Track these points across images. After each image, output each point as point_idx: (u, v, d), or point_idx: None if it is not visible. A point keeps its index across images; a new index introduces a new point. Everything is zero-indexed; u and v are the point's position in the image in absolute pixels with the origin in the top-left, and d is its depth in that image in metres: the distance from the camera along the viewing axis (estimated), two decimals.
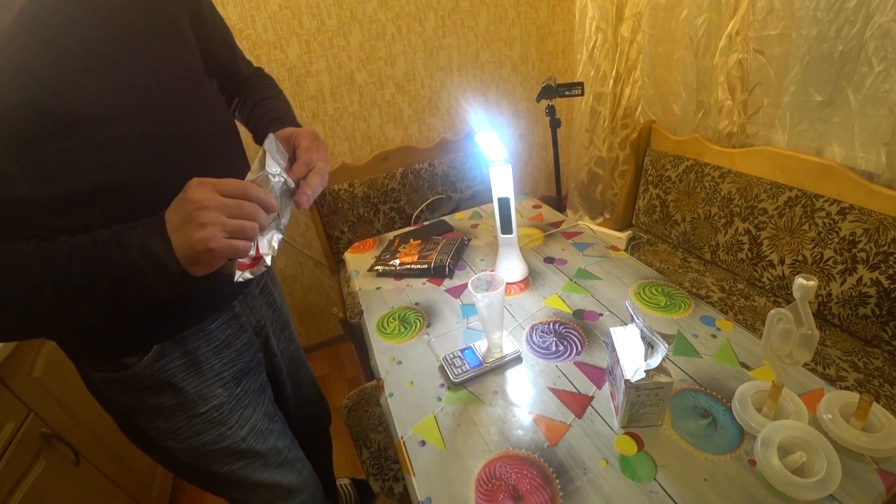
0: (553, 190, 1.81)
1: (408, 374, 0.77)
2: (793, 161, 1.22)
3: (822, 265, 1.16)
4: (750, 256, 1.32)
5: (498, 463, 0.60)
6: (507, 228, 0.92)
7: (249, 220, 0.50)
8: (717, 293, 1.32)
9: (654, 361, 0.56)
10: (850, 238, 1.10)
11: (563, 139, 2.01)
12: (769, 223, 1.26)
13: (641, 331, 0.58)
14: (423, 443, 0.64)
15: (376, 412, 1.09)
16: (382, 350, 0.83)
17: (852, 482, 0.54)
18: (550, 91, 1.49)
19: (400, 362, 0.79)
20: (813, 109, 1.20)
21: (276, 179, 0.55)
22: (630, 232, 1.62)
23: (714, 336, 0.76)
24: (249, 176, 0.54)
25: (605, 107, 1.80)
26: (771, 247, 1.26)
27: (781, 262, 1.24)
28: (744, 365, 0.71)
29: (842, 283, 1.13)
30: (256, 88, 0.81)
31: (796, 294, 0.52)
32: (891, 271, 1.04)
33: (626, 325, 0.66)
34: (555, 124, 1.59)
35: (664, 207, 1.57)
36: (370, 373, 1.40)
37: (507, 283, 0.67)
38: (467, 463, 0.60)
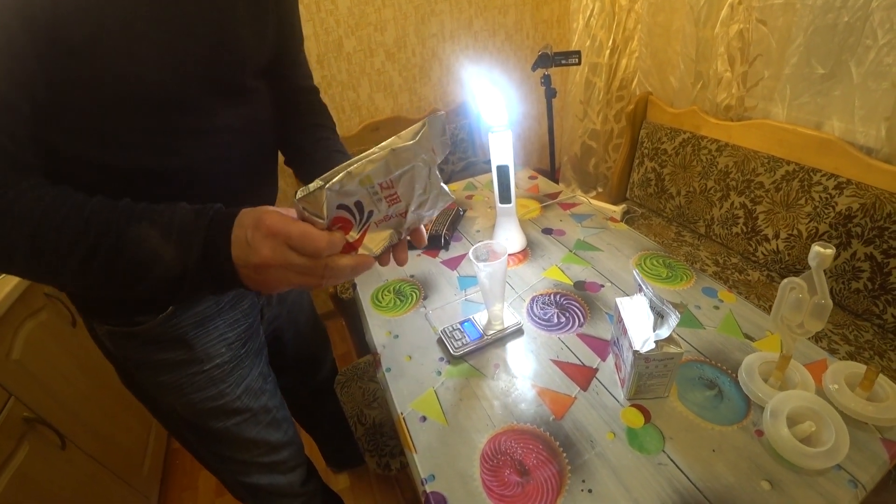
0: (545, 163, 1.78)
1: (405, 349, 0.74)
2: (791, 135, 1.21)
3: (816, 239, 1.16)
4: (745, 230, 1.31)
5: (503, 437, 0.58)
6: (505, 197, 0.89)
7: (318, 280, 0.45)
8: (711, 267, 1.32)
9: (665, 331, 0.54)
10: (847, 213, 1.10)
11: (557, 111, 1.97)
12: (765, 197, 1.25)
13: (651, 300, 0.56)
14: (424, 418, 0.62)
15: (370, 388, 1.07)
16: (378, 324, 0.81)
17: (857, 451, 0.53)
18: (547, 59, 1.44)
19: (397, 336, 0.77)
20: (814, 82, 1.18)
21: (420, 165, 0.45)
22: (624, 205, 1.61)
23: (717, 307, 0.75)
24: (396, 142, 0.43)
25: (600, 78, 1.76)
26: (766, 221, 1.26)
27: (776, 236, 1.24)
28: (747, 336, 0.70)
29: (836, 258, 1.13)
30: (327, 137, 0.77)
31: (812, 262, 0.51)
32: (885, 246, 1.04)
33: (632, 295, 0.64)
34: (550, 94, 1.54)
35: (659, 181, 1.55)
36: (362, 349, 1.38)
37: (493, 252, 0.65)
38: (471, 438, 0.58)
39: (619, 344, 0.62)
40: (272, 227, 0.42)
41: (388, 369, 0.70)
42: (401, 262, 0.52)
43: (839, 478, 0.52)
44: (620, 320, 0.61)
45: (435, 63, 1.82)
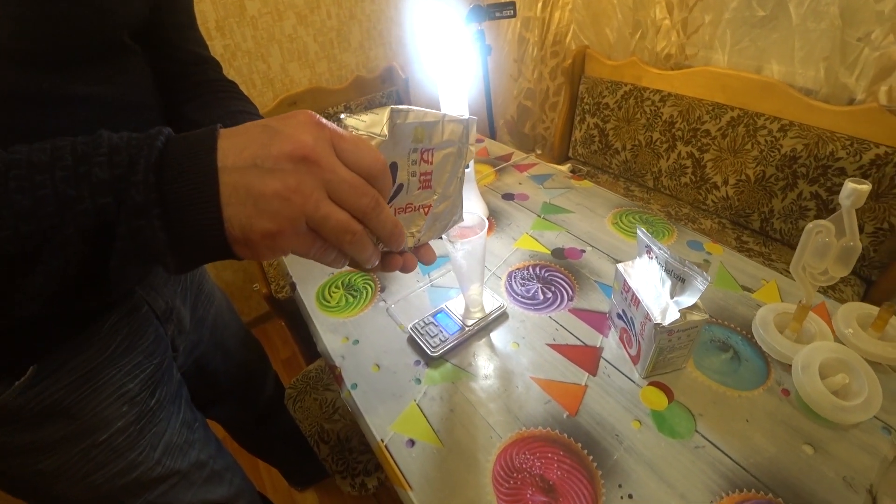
0: (482, 130, 1.67)
1: (370, 356, 0.61)
2: (734, 80, 1.19)
3: (764, 182, 1.16)
4: (694, 180, 1.30)
5: (513, 450, 0.47)
6: None
7: (353, 233, 0.31)
8: None
9: (690, 297, 0.45)
10: (791, 154, 1.10)
11: (491, 72, 1.85)
12: (712, 145, 1.24)
13: (667, 262, 0.47)
14: (412, 442, 0.50)
15: (328, 398, 0.93)
16: (330, 328, 0.66)
17: (886, 396, 0.49)
18: (480, 13, 1.31)
19: (356, 341, 0.63)
20: (754, 26, 1.16)
21: (456, 154, 0.39)
22: (569, 165, 1.55)
23: (707, 261, 0.69)
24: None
25: (533, 33, 1.66)
26: (714, 168, 1.25)
27: (725, 182, 1.23)
28: (745, 288, 0.64)
29: (783, 199, 1.14)
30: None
31: (846, 201, 0.44)
32: (829, 184, 1.06)
33: (634, 259, 0.55)
34: (485, 51, 1.43)
35: (603, 136, 1.50)
36: (309, 352, 1.21)
37: (467, 227, 0.54)
38: (475, 458, 0.47)
39: (628, 317, 0.54)
40: (313, 116, 0.30)
41: (354, 386, 0.57)
42: (422, 263, 0.41)
43: (872, 427, 0.48)
44: (628, 289, 0.52)
45: (354, 25, 1.63)
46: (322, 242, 0.30)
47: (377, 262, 0.35)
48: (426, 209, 0.39)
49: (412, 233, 0.39)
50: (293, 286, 0.77)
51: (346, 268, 0.54)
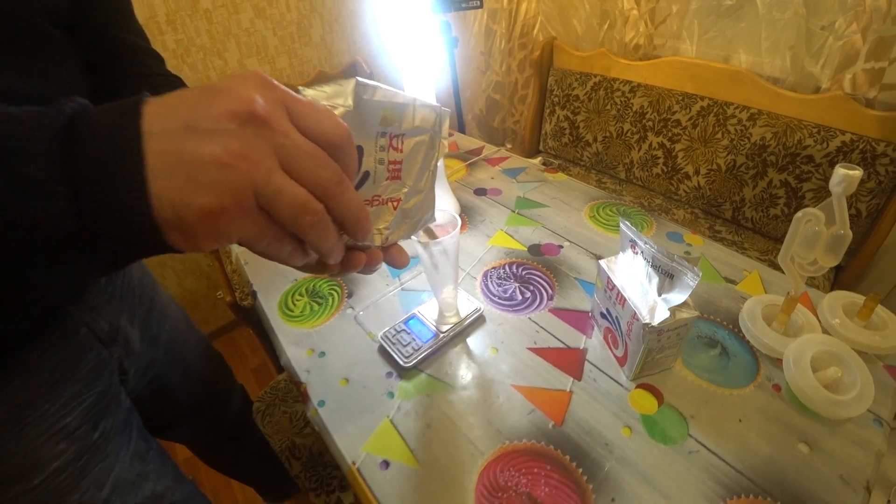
0: (451, 123, 1.63)
1: (338, 369, 0.56)
2: (703, 69, 1.19)
3: (735, 172, 1.16)
4: (665, 170, 1.30)
5: (497, 467, 0.43)
6: None
7: (314, 213, 0.25)
8: None
9: (680, 294, 0.42)
10: (761, 143, 1.10)
11: (458, 66, 1.81)
12: (683, 135, 1.23)
13: (654, 257, 0.44)
14: (387, 463, 0.45)
15: (298, 411, 0.87)
16: (293, 340, 0.61)
17: (876, 388, 0.47)
18: (446, 3, 1.27)
19: (323, 353, 0.58)
20: (721, 15, 1.16)
21: (429, 144, 0.35)
22: (540, 158, 1.53)
23: (688, 253, 0.67)
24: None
25: (500, 25, 1.63)
26: (686, 158, 1.24)
27: (697, 172, 1.23)
28: (728, 280, 0.62)
29: (754, 188, 1.14)
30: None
31: (837, 187, 0.42)
32: (798, 171, 1.06)
33: (617, 254, 0.52)
34: (452, 43, 1.38)
35: (573, 129, 1.48)
36: (280, 360, 1.15)
37: (438, 226, 0.50)
38: (456, 477, 0.43)
39: (612, 316, 0.50)
40: (263, 74, 0.24)
41: (322, 403, 0.52)
42: (392, 266, 0.37)
43: (864, 419, 0.46)
44: (612, 287, 0.49)
45: (315, 18, 1.56)
46: (276, 228, 0.24)
47: (339, 257, 0.29)
48: (395, 203, 0.35)
49: (380, 230, 0.34)
50: (254, 294, 0.71)
51: (306, 274, 0.47)
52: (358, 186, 0.32)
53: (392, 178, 0.34)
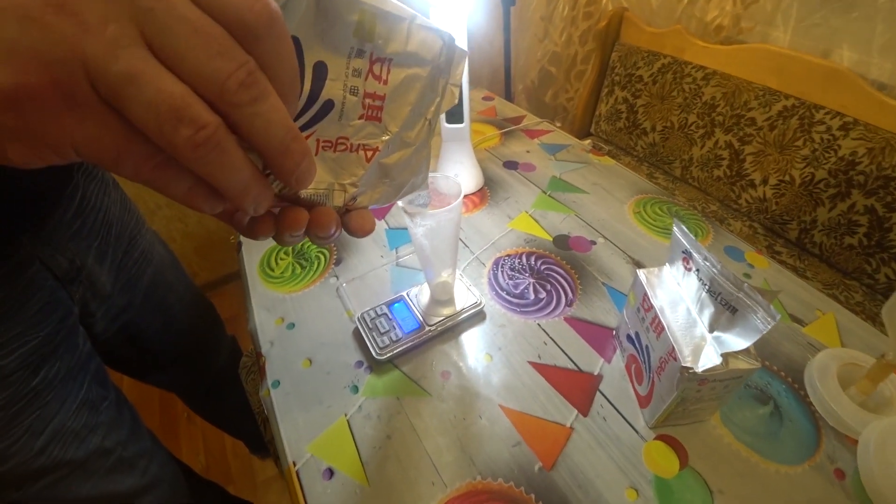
0: (498, 91, 1.49)
1: (304, 346, 0.47)
2: (794, 63, 1.01)
3: (811, 187, 1.00)
4: (728, 174, 1.14)
5: None
6: (455, 115, 0.61)
7: (219, 107, 0.16)
8: None
9: (742, 339, 0.31)
10: (850, 158, 0.93)
11: (513, 30, 1.65)
12: (756, 136, 1.07)
13: (713, 281, 0.33)
14: (331, 472, 0.37)
15: None
16: (266, 304, 0.53)
17: None
18: None
19: (292, 325, 0.50)
20: (828, 1, 0.97)
21: (427, 84, 0.25)
22: (589, 141, 1.38)
23: (748, 276, 0.55)
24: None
25: None
26: (755, 164, 1.08)
27: (765, 181, 1.07)
28: (795, 319, 0.50)
29: (830, 209, 0.98)
30: None
31: None
32: (889, 198, 0.89)
33: (662, 266, 0.41)
34: (508, 2, 1.24)
35: (631, 113, 1.33)
36: None
37: (435, 193, 0.40)
38: None
39: (642, 343, 0.40)
40: None
41: (276, 384, 0.44)
42: (348, 233, 0.27)
43: None
44: (649, 308, 0.38)
45: None
46: (145, 144, 0.15)
47: (263, 208, 0.19)
48: (370, 154, 0.25)
49: (343, 185, 0.25)
50: (239, 245, 0.64)
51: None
52: (314, 120, 0.22)
53: (369, 117, 0.24)
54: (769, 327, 0.29)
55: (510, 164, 0.75)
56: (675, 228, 0.38)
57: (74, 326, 0.49)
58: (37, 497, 0.46)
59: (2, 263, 0.40)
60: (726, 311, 0.32)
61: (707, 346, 0.33)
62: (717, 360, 0.32)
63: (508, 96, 1.46)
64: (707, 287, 0.34)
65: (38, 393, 0.43)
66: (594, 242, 0.59)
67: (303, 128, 0.22)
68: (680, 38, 1.20)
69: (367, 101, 0.23)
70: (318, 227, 0.23)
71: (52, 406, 0.45)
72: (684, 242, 0.36)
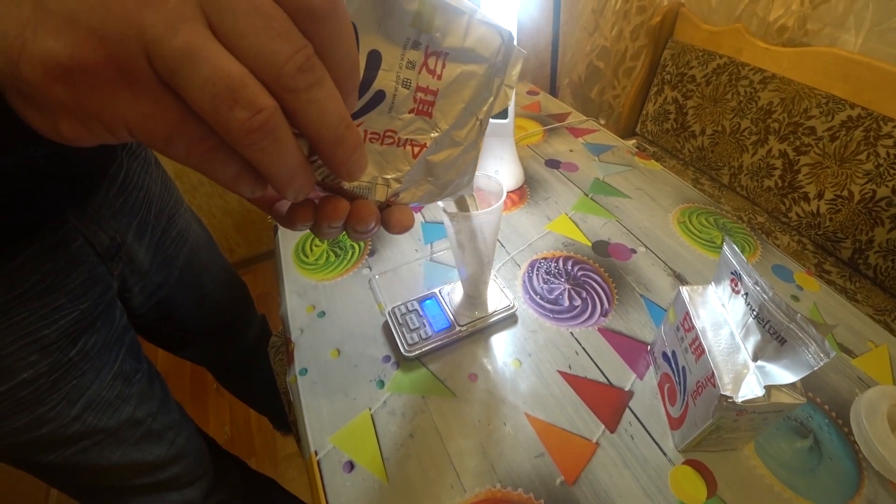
0: (542, 84, 1.46)
1: (333, 336, 0.48)
2: (864, 69, 0.94)
3: (871, 205, 0.93)
4: (780, 185, 1.08)
5: None
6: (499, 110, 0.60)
7: (276, 91, 0.15)
8: None
9: (788, 373, 0.30)
10: None
11: (563, 21, 1.61)
12: (814, 146, 1.01)
13: (762, 307, 0.31)
14: (351, 465, 0.37)
15: None
16: (298, 290, 0.54)
17: None
18: None
19: (323, 314, 0.50)
20: None
21: (483, 84, 0.25)
22: (634, 141, 1.33)
23: (796, 298, 0.52)
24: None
25: None
26: (811, 176, 1.02)
27: (819, 195, 1.01)
28: (844, 349, 0.47)
29: (890, 230, 0.92)
30: None
31: None
32: None
33: (708, 285, 0.39)
34: None
35: (680, 115, 1.27)
36: None
37: (479, 191, 0.39)
38: None
39: (678, 364, 0.38)
40: None
41: (304, 371, 0.45)
42: (386, 229, 0.26)
43: None
44: (690, 328, 0.37)
45: None
46: (199, 126, 0.15)
47: (303, 194, 0.19)
48: (417, 150, 0.24)
49: (387, 179, 0.24)
50: (275, 229, 0.65)
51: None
52: (364, 110, 0.22)
53: (419, 111, 0.23)
54: (821, 364, 0.27)
55: (552, 163, 0.73)
56: (724, 247, 0.36)
57: (113, 301, 0.51)
58: (69, 461, 0.49)
59: (47, 238, 0.42)
60: (774, 340, 0.31)
61: (749, 375, 0.32)
62: (760, 392, 0.30)
63: (553, 90, 1.42)
64: (755, 313, 0.32)
65: (75, 363, 0.46)
66: (634, 251, 0.57)
67: (365, 108, 0.22)
68: (739, 38, 1.14)
69: (419, 94, 0.23)
70: (357, 221, 0.23)
71: (89, 376, 0.47)
72: (734, 263, 0.34)
